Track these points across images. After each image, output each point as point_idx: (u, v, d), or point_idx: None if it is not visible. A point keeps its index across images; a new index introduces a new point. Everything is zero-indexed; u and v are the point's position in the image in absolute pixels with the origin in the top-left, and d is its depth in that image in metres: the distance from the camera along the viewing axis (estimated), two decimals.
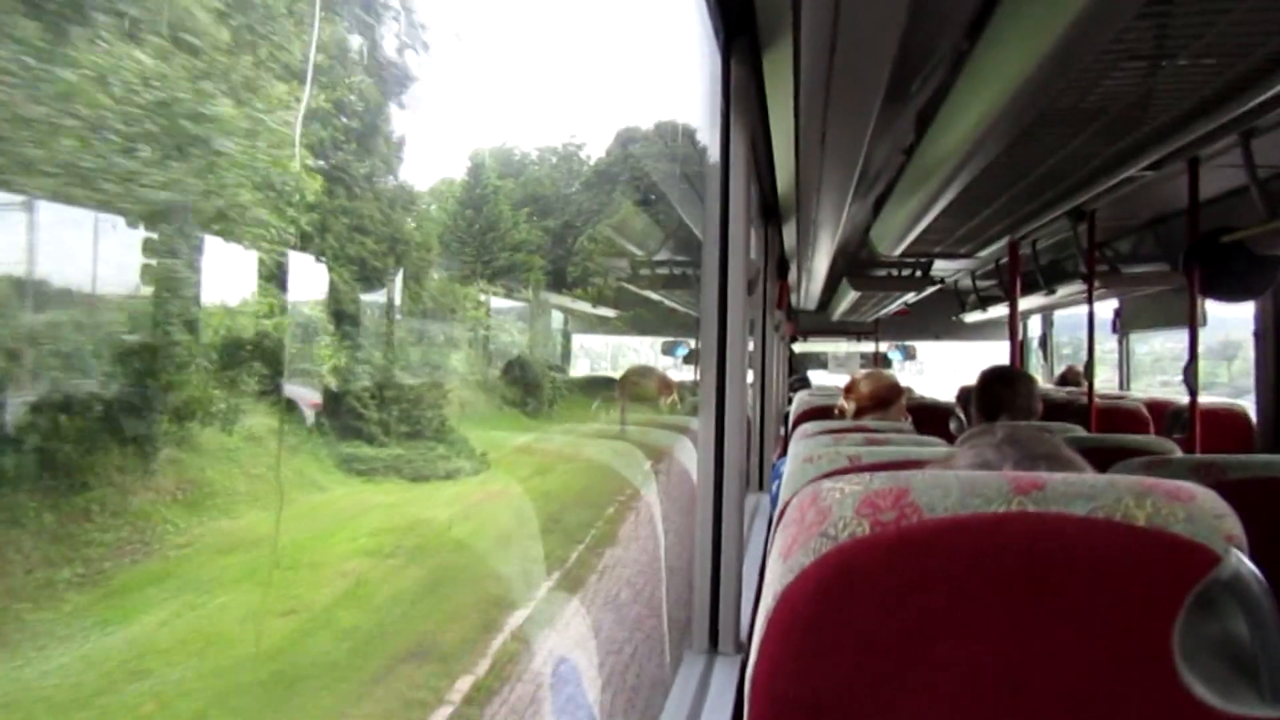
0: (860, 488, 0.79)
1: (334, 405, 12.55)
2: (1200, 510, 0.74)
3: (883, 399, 2.99)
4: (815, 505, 0.80)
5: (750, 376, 3.61)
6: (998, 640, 0.75)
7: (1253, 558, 0.75)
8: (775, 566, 0.81)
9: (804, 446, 1.96)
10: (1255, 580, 0.73)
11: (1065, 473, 0.83)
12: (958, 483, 0.78)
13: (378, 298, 13.79)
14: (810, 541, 0.78)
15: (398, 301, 14.04)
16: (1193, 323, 3.19)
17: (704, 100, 1.87)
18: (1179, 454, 1.93)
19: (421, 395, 13.75)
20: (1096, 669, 0.75)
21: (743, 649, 1.64)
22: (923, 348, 9.67)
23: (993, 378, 2.84)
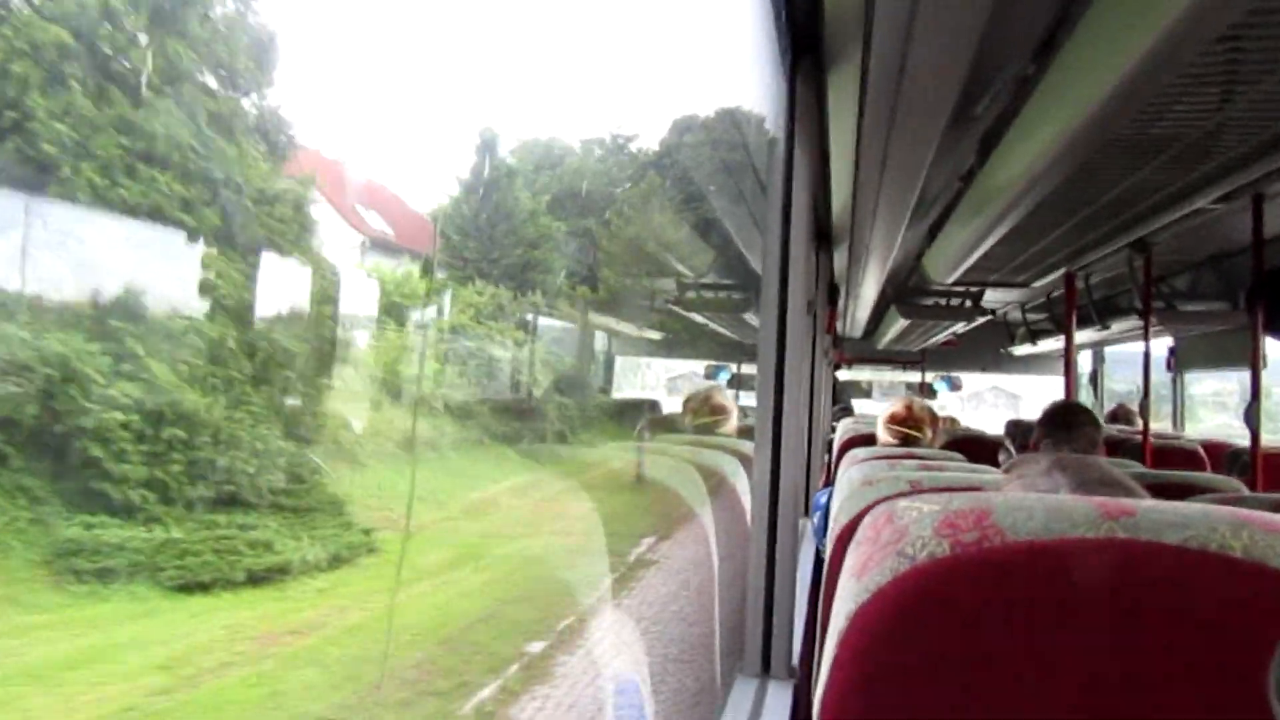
0: (939, 507, 0.77)
1: (57, 449, 6.97)
2: None
3: (934, 425, 3.03)
4: (891, 524, 0.79)
5: None
6: (1082, 669, 0.73)
7: None
8: (848, 585, 0.79)
9: (860, 470, 1.94)
10: None
11: (1154, 500, 0.81)
12: (1042, 505, 0.76)
13: (187, 272, 7.97)
14: (886, 560, 0.76)
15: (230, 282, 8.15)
16: (1255, 363, 3.12)
17: (766, 120, 1.87)
18: (1248, 493, 1.88)
19: (239, 433, 7.80)
20: (1184, 704, 0.72)
21: (795, 674, 1.61)
22: (1020, 379, 9.28)
23: (1052, 413, 2.81)
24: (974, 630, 0.74)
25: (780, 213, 1.71)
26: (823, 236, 3.39)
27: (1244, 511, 0.74)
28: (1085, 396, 7.55)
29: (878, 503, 1.43)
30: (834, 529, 1.63)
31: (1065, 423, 2.64)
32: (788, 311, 1.69)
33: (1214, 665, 0.72)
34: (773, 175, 1.75)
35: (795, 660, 1.66)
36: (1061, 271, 4.17)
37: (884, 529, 0.79)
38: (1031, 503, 0.76)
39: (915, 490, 1.49)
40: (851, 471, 2.06)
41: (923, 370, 8.97)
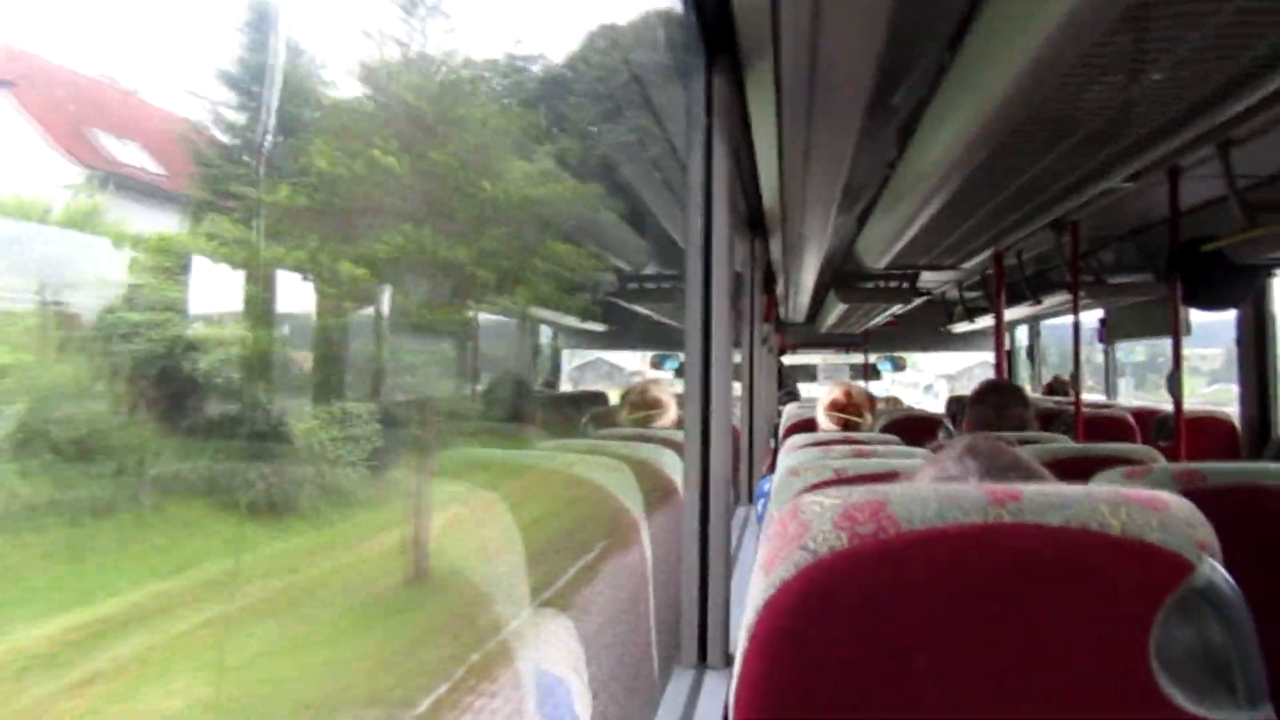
0: (839, 501, 0.80)
1: None
2: (1174, 519, 0.75)
3: (874, 407, 3.08)
4: (796, 519, 0.81)
5: (738, 390, 3.62)
6: (977, 650, 0.76)
7: (1230, 564, 0.76)
8: (757, 580, 0.81)
9: (791, 460, 1.97)
10: (1229, 587, 0.74)
11: (1041, 484, 0.84)
12: (935, 495, 0.78)
13: None
14: (791, 555, 0.79)
15: None
16: (1176, 331, 3.23)
17: (685, 110, 1.88)
18: (1162, 462, 1.94)
19: None
20: (1076, 678, 0.75)
21: (731, 663, 1.63)
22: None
23: (982, 392, 2.87)
24: (874, 619, 0.77)
25: (702, 202, 1.72)
26: (756, 225, 3.42)
27: (1124, 490, 0.78)
28: (1026, 369, 7.73)
29: (803, 492, 1.46)
30: (767, 519, 1.65)
31: (993, 404, 2.70)
32: (712, 300, 1.70)
33: (1100, 637, 0.75)
34: (692, 165, 1.76)
35: (733, 649, 1.68)
36: (990, 252, 4.26)
37: (789, 524, 0.81)
38: (925, 493, 0.79)
39: (839, 479, 1.52)
40: (788, 459, 2.10)
41: (865, 352, 9.10)
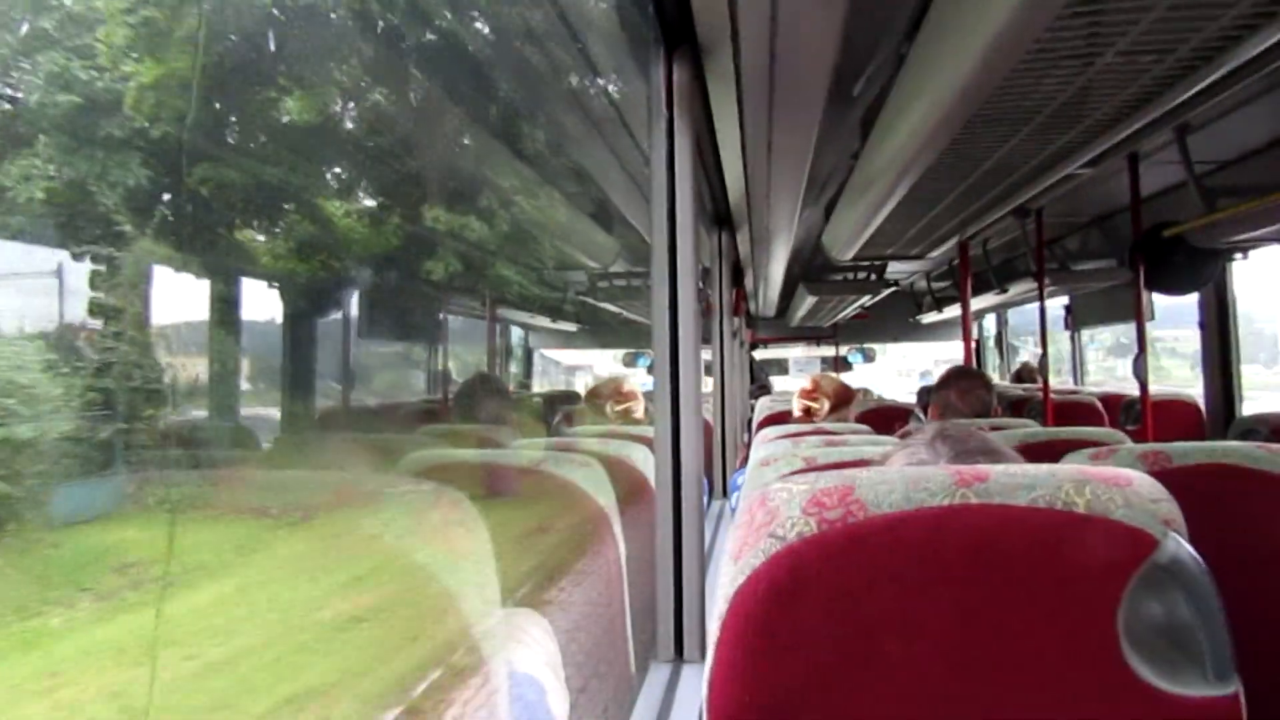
0: (806, 487, 0.79)
1: None
2: (1137, 495, 0.76)
3: (845, 398, 3.11)
4: (764, 506, 0.80)
5: (709, 385, 3.62)
6: (947, 631, 0.76)
7: (1197, 541, 0.76)
8: (727, 569, 0.81)
9: (763, 451, 1.98)
10: (1194, 562, 0.74)
11: (1006, 464, 0.84)
12: (902, 478, 0.78)
13: None
14: (760, 542, 0.78)
15: None
16: (1139, 316, 3.27)
17: (645, 106, 1.87)
18: (1129, 444, 1.96)
19: None
20: (1045, 655, 0.75)
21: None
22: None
23: (946, 378, 2.90)
24: (844, 603, 0.76)
25: (665, 197, 1.71)
26: (723, 219, 3.42)
27: (1088, 468, 0.78)
28: (993, 357, 7.81)
29: (775, 482, 1.45)
30: (739, 511, 1.65)
31: (957, 388, 2.74)
32: (679, 295, 1.70)
33: (1069, 614, 0.75)
34: (654, 159, 1.75)
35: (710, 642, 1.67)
36: (955, 241, 4.29)
37: (757, 512, 0.81)
38: (892, 476, 0.78)
39: (809, 467, 1.52)
40: (760, 451, 2.10)
41: (836, 344, 9.15)
